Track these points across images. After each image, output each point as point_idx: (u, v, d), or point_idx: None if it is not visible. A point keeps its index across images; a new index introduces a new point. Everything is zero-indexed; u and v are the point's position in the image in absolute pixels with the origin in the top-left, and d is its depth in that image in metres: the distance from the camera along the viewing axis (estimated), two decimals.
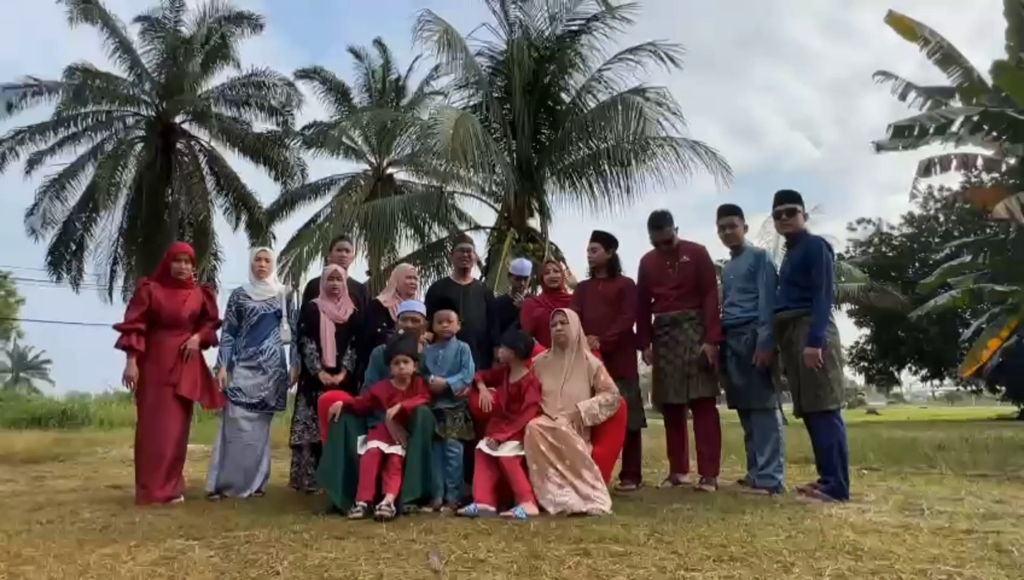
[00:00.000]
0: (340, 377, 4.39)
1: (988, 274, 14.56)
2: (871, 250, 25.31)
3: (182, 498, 4.06)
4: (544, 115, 12.00)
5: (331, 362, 4.43)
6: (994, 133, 12.84)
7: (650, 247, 4.66)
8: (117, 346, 4.14)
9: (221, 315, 4.47)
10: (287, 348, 4.57)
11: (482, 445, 3.61)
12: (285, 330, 4.49)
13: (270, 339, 4.45)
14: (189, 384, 4.15)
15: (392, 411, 3.64)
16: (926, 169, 13.88)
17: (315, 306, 4.52)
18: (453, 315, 4.04)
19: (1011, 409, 24.41)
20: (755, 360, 4.09)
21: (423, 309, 4.26)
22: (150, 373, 4.11)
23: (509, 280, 5.20)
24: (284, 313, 4.52)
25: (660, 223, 4.51)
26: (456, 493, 3.68)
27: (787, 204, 4.00)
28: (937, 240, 23.46)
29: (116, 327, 4.18)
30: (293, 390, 4.73)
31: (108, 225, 17.99)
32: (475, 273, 5.64)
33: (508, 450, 3.54)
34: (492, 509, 3.35)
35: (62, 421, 13.96)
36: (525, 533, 2.81)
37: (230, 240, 22.87)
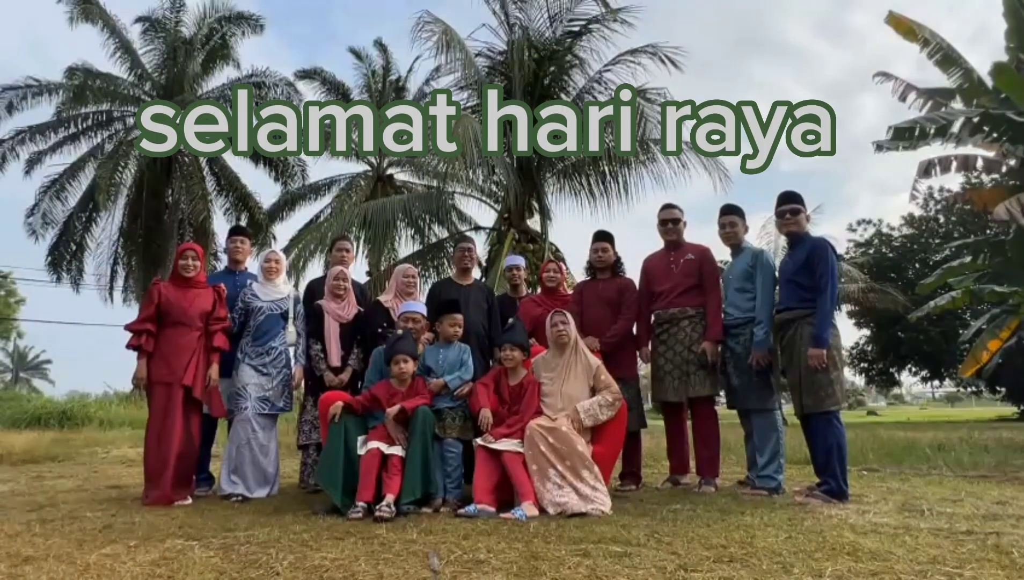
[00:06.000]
0: (346, 375, 4.41)
1: (988, 275, 14.57)
2: (871, 251, 25.32)
3: (190, 500, 4.04)
4: None
5: (335, 362, 4.45)
6: (994, 134, 12.85)
7: (649, 247, 4.67)
8: (127, 346, 4.15)
9: None
10: (292, 349, 4.57)
11: (479, 440, 3.60)
12: (291, 331, 4.49)
13: (276, 340, 4.44)
14: (199, 386, 4.15)
15: (392, 411, 3.64)
16: (926, 170, 13.90)
17: (319, 307, 4.53)
18: (462, 318, 4.05)
19: (1011, 410, 24.43)
20: (751, 360, 4.09)
21: (424, 310, 4.27)
22: (159, 372, 4.11)
23: (506, 276, 5.21)
24: (291, 314, 4.52)
25: (671, 205, 4.61)
26: (455, 492, 3.68)
27: (791, 204, 4.01)
28: (937, 241, 23.48)
29: (126, 327, 4.19)
30: (299, 390, 4.73)
31: (108, 225, 18.05)
32: (476, 273, 5.65)
33: (506, 444, 3.54)
34: (492, 509, 3.35)
35: (62, 421, 13.92)
36: (525, 533, 2.81)
37: None
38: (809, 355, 3.71)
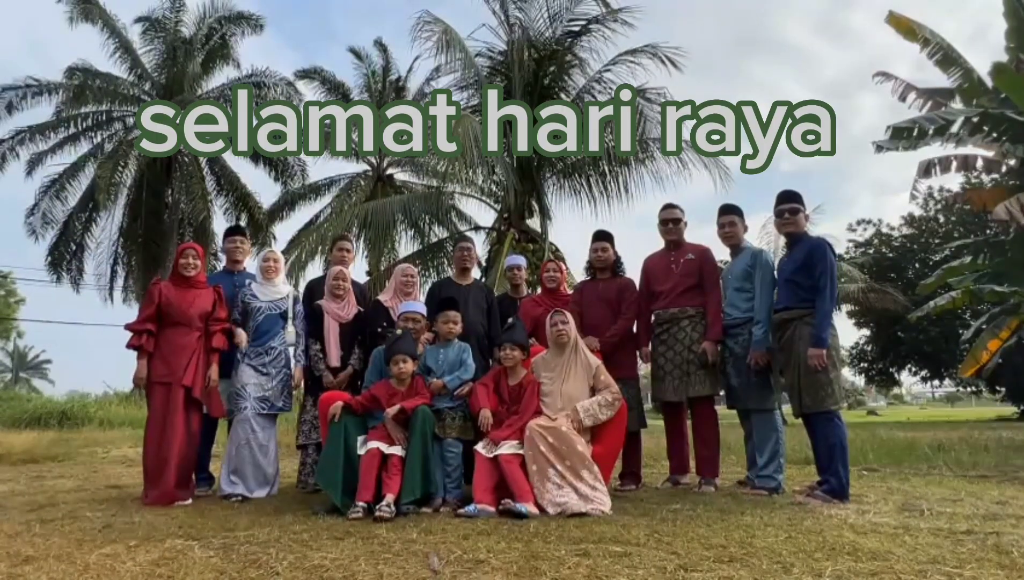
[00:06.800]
0: (345, 376, 4.41)
1: (988, 275, 14.57)
2: (871, 251, 25.32)
3: (190, 500, 4.04)
4: None
5: (335, 362, 4.45)
6: (994, 134, 12.85)
7: (649, 247, 4.67)
8: (127, 346, 4.15)
9: None
10: (292, 350, 4.57)
11: (480, 447, 3.61)
12: (290, 331, 4.48)
13: (276, 340, 4.44)
14: (199, 386, 4.15)
15: (391, 411, 3.64)
16: (926, 170, 13.91)
17: (319, 307, 4.53)
18: (458, 316, 4.05)
19: (1011, 410, 24.42)
20: (750, 360, 4.09)
21: (424, 309, 4.27)
22: (159, 372, 4.11)
23: (507, 276, 5.22)
24: (290, 314, 4.52)
25: (672, 204, 4.61)
26: (455, 492, 3.68)
27: (790, 204, 4.01)
28: (937, 241, 23.47)
29: (127, 327, 4.19)
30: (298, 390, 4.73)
31: (108, 225, 18.07)
32: (475, 273, 5.64)
33: (506, 449, 3.54)
34: (492, 509, 3.35)
35: (62, 421, 13.93)
36: (525, 533, 2.81)
37: None
38: (808, 355, 3.71)
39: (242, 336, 4.29)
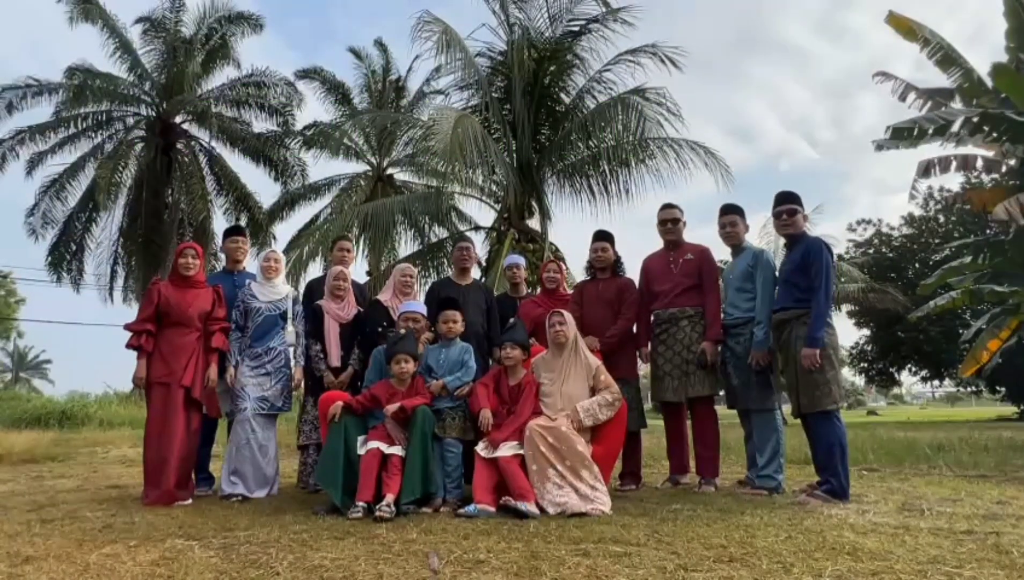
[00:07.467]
0: (346, 377, 4.42)
1: (988, 275, 14.56)
2: (871, 251, 25.33)
3: (190, 500, 4.04)
4: (544, 115, 12.01)
5: (335, 362, 4.46)
6: (994, 134, 12.84)
7: (650, 247, 4.67)
8: (127, 346, 4.16)
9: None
10: (291, 350, 4.57)
11: (479, 448, 3.61)
12: (290, 332, 4.49)
13: (275, 340, 4.44)
14: (199, 386, 4.16)
15: (391, 408, 3.64)
16: (926, 170, 13.89)
17: (319, 307, 4.53)
18: (458, 315, 4.05)
19: (1011, 410, 24.44)
20: (750, 359, 4.09)
21: (424, 309, 4.27)
22: (158, 372, 4.11)
23: (506, 276, 5.22)
24: (289, 314, 4.52)
25: (670, 204, 4.60)
26: (455, 492, 3.68)
27: (788, 205, 4.00)
28: (937, 241, 23.48)
29: (126, 327, 4.19)
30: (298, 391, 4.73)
31: (108, 225, 18.08)
32: (475, 273, 5.64)
33: (506, 450, 3.54)
34: (492, 509, 3.35)
35: (62, 421, 13.94)
36: (525, 533, 2.81)
37: None
38: (802, 355, 3.72)
39: (231, 373, 4.30)
